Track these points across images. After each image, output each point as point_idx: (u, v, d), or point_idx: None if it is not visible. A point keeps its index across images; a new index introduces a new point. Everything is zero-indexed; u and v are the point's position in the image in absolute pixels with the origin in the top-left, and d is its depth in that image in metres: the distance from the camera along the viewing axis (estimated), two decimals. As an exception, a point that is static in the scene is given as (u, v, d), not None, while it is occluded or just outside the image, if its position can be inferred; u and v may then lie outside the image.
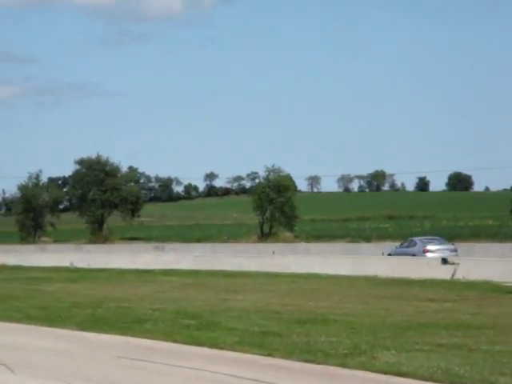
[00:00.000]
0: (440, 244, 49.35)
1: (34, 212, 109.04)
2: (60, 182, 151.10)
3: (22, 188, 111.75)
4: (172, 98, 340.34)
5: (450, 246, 49.50)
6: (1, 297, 35.65)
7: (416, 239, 51.24)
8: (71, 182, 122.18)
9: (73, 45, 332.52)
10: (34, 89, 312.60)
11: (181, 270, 48.46)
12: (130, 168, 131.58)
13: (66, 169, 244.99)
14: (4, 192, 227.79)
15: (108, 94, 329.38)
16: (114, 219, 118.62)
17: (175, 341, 21.16)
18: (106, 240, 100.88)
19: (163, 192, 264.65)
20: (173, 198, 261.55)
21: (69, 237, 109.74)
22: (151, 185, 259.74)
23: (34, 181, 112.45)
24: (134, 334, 22.58)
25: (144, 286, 39.38)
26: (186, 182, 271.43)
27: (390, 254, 50.91)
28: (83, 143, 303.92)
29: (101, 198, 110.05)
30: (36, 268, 55.58)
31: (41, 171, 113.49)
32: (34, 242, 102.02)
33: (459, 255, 45.86)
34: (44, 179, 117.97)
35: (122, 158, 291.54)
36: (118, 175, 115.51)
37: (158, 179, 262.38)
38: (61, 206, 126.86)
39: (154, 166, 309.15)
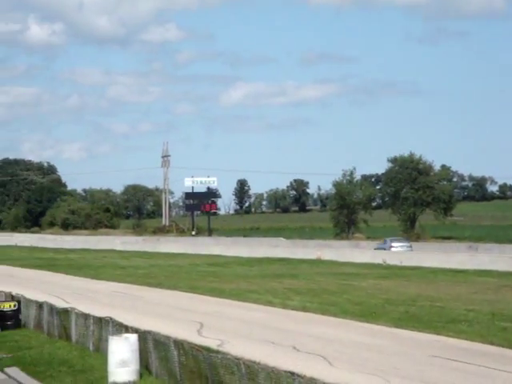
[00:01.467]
0: (400, 242, 70.19)
1: (348, 209, 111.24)
2: (373, 179, 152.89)
3: (337, 185, 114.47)
4: (486, 98, 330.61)
5: (407, 243, 69.94)
6: (316, 290, 36.86)
7: (387, 239, 72.04)
8: (384, 179, 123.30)
9: (390, 43, 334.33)
10: (350, 88, 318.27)
11: (496, 272, 47.13)
12: (443, 166, 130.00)
13: (379, 166, 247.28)
14: (319, 188, 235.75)
15: (422, 92, 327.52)
16: (426, 217, 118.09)
17: (491, 343, 20.68)
18: (417, 238, 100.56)
19: (477, 191, 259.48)
20: (487, 197, 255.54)
21: (381, 234, 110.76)
22: (464, 184, 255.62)
23: (348, 178, 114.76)
24: (447, 334, 22.37)
25: (457, 286, 38.83)
26: (501, 182, 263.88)
27: (375, 249, 69.39)
28: (396, 141, 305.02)
29: (413, 196, 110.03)
30: (349, 263, 56.77)
31: (354, 169, 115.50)
32: (347, 238, 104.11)
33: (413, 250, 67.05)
34: (357, 177, 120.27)
35: (434, 157, 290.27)
36: (431, 174, 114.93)
37: (471, 178, 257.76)
38: (373, 204, 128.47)
39: (467, 165, 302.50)
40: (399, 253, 62.41)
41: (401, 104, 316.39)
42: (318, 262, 59.56)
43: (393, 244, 68.66)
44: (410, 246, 68.85)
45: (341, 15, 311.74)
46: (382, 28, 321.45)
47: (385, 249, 67.25)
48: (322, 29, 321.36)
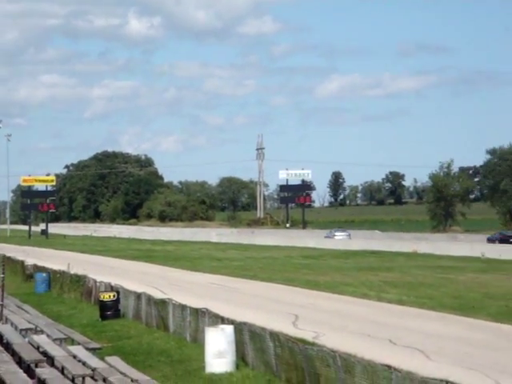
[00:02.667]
0: (341, 232, 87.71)
1: (445, 201, 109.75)
2: (471, 171, 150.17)
3: (434, 177, 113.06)
4: None
5: (346, 233, 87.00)
6: (413, 284, 36.46)
7: (332, 230, 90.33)
8: (482, 171, 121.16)
9: (489, 33, 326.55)
10: (448, 78, 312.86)
11: None
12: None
13: (478, 159, 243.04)
14: (416, 181, 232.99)
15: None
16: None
17: None
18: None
19: None
20: None
21: (479, 227, 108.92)
22: None
23: (446, 170, 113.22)
24: None
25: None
26: None
27: (326, 237, 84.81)
28: (495, 133, 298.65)
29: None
30: (446, 257, 55.94)
31: (452, 161, 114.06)
32: (444, 231, 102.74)
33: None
34: (455, 169, 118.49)
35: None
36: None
37: None
38: (471, 196, 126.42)
39: None
40: (498, 247, 61.14)
41: (501, 94, 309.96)
42: (414, 255, 58.89)
43: (336, 233, 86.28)
44: (349, 235, 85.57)
45: (439, 5, 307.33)
46: (481, 17, 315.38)
47: (330, 237, 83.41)
48: (420, 19, 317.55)
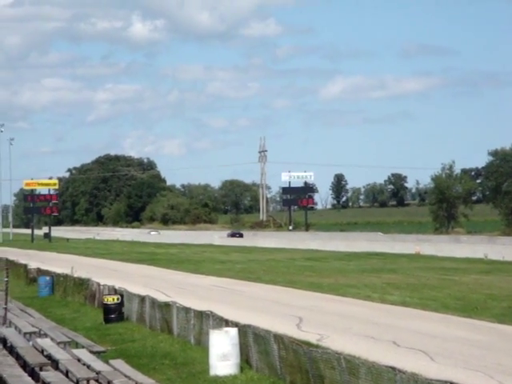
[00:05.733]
0: (236, 231, 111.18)
1: (448, 203, 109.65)
2: (473, 173, 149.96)
3: (436, 179, 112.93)
4: None
5: (239, 233, 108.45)
6: (416, 285, 36.45)
7: (229, 231, 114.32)
8: (485, 173, 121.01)
9: (491, 33, 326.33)
10: (451, 80, 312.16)
11: None
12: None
13: (479, 160, 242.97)
14: (418, 183, 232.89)
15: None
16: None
17: None
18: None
19: None
20: None
21: (482, 228, 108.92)
22: None
23: (448, 172, 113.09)
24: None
25: None
26: None
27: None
28: (497, 134, 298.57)
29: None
30: (449, 258, 55.95)
31: (454, 162, 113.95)
32: (447, 233, 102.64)
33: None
34: (457, 170, 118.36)
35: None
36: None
37: None
38: (474, 198, 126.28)
39: None
40: (502, 248, 61.10)
41: (503, 96, 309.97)
42: (417, 257, 58.91)
43: (230, 233, 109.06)
44: (242, 235, 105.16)
45: (441, 6, 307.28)
46: (484, 18, 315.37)
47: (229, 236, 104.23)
48: (422, 20, 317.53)
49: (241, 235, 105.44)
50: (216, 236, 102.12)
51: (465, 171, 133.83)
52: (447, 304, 28.65)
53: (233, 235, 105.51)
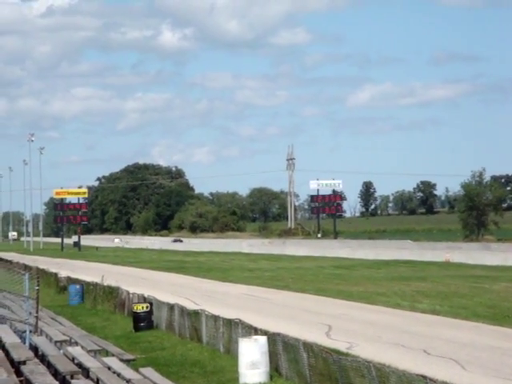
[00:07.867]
0: (177, 238, 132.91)
1: (478, 210, 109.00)
2: (503, 180, 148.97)
3: (466, 186, 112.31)
4: None
5: (179, 239, 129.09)
6: (446, 293, 36.21)
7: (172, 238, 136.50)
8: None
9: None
10: (481, 87, 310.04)
11: None
12: None
13: (510, 167, 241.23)
14: (447, 190, 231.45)
15: None
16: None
17: None
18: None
19: None
20: None
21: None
22: None
23: (478, 179, 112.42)
24: None
25: None
26: None
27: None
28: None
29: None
30: (480, 266, 55.50)
31: (484, 170, 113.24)
32: (477, 240, 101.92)
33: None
34: (487, 177, 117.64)
35: None
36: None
37: None
38: (504, 205, 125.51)
39: None
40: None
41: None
42: (446, 265, 58.51)
43: (177, 239, 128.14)
44: (182, 240, 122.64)
45: (471, 14, 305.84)
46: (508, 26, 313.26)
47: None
48: (451, 28, 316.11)
49: (181, 241, 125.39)
50: (244, 244, 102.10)
51: (495, 178, 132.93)
52: (478, 312, 28.44)
53: (175, 241, 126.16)
